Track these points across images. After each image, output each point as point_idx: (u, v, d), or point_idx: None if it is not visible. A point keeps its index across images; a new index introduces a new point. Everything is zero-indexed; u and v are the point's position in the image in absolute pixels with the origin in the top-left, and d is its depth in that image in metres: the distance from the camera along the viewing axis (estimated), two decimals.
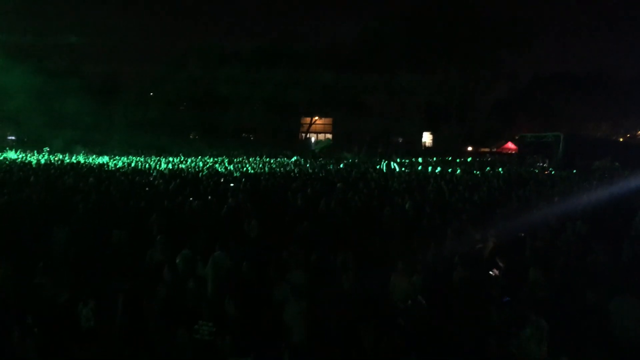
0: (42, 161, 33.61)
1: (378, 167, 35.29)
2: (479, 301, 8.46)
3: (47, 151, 43.47)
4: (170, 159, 39.89)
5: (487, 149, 72.44)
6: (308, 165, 36.48)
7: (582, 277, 9.56)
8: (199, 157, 42.82)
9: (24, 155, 40.33)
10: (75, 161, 34.92)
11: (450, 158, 50.63)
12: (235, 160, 40.62)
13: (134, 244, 11.38)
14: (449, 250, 11.29)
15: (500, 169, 33.99)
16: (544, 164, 43.37)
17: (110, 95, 67.38)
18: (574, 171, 33.43)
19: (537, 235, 12.60)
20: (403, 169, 34.10)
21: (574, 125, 67.73)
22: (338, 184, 21.38)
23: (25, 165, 29.85)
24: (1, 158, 36.43)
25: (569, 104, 68.67)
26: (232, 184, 21.19)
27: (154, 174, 26.01)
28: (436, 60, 65.61)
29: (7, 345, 7.30)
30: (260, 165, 34.50)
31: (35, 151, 43.45)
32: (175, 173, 26.60)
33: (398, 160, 44.48)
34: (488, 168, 34.45)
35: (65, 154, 43.00)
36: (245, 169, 31.52)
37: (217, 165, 33.73)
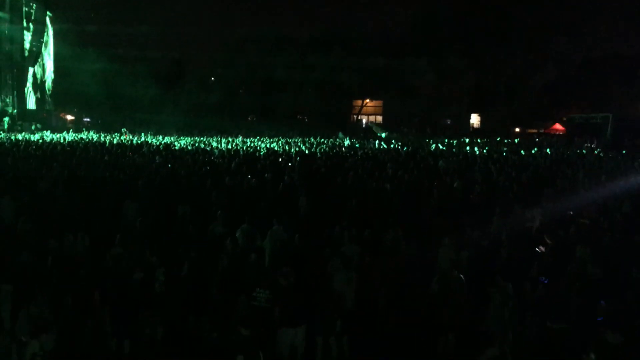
0: (115, 141, 34.77)
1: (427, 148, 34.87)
2: (522, 279, 8.36)
3: (126, 132, 44.60)
4: (231, 139, 40.51)
5: (534, 130, 70.33)
6: (358, 145, 36.35)
7: (628, 255, 9.30)
8: (257, 137, 43.26)
9: (98, 135, 41.83)
10: (143, 141, 35.96)
11: (498, 139, 49.42)
12: (290, 140, 40.89)
13: (198, 218, 11.67)
14: (496, 228, 11.15)
15: (547, 150, 32.98)
16: (592, 144, 41.79)
17: (175, 80, 68.82)
18: (623, 152, 32.12)
19: (584, 214, 12.28)
20: (452, 149, 33.54)
21: (623, 106, 64.86)
22: (388, 163, 21.27)
23: (100, 144, 30.95)
24: (79, 138, 37.89)
25: (618, 86, 65.72)
26: (289, 163, 21.41)
27: (215, 153, 26.49)
28: (485, 43, 63.90)
29: (88, 311, 7.67)
30: (315, 145, 34.61)
31: (117, 133, 44.81)
32: (235, 153, 27.03)
33: (446, 141, 43.78)
34: (535, 149, 33.44)
35: (135, 134, 44.29)
36: (299, 148, 31.74)
37: (273, 145, 34.06)
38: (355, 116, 79.51)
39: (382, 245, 9.86)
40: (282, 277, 7.72)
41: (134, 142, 35.00)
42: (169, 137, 41.93)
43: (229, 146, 32.67)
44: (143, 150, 27.50)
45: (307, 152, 28.83)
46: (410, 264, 8.89)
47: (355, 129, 64.78)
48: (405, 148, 33.05)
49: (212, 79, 73.04)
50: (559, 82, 66.82)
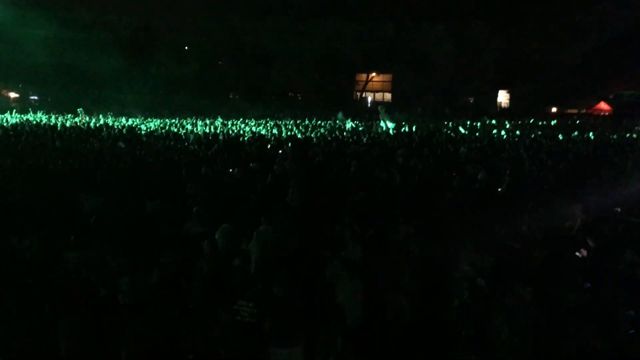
0: (68, 124, 34.66)
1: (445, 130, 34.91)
2: (560, 286, 8.37)
3: (82, 113, 44.41)
4: (208, 121, 40.45)
5: (574, 110, 70.43)
6: (362, 128, 36.35)
7: None
8: (241, 119, 43.23)
9: (48, 117, 41.67)
10: (103, 124, 35.86)
11: (531, 121, 49.45)
12: (281, 123, 40.85)
13: (170, 215, 11.66)
14: (528, 227, 11.16)
15: (590, 134, 33.04)
16: None
17: (141, 50, 68.47)
18: None
19: (634, 211, 12.31)
20: (475, 133, 33.58)
21: None
22: (399, 150, 21.28)
23: (51, 128, 30.85)
24: (24, 120, 37.74)
25: None
26: (280, 151, 21.42)
27: (190, 138, 26.46)
28: (515, 4, 63.77)
29: (37, 325, 7.65)
30: (310, 129, 34.59)
31: (72, 114, 44.60)
32: (214, 137, 26.99)
33: (468, 123, 43.74)
34: (576, 132, 33.51)
35: (93, 116, 44.17)
36: (292, 132, 31.70)
37: (260, 129, 34.03)
38: (358, 93, 79.45)
39: (390, 245, 9.88)
40: (277, 286, 7.68)
41: (92, 124, 34.91)
42: (134, 119, 41.84)
43: (207, 130, 32.62)
44: (103, 134, 27.45)
45: (300, 137, 28.81)
46: (425, 269, 8.92)
47: (359, 109, 64.75)
48: (419, 132, 33.04)
49: (187, 48, 72.76)
50: (604, 52, 66.50)
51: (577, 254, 9.83)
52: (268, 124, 38.75)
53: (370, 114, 56.93)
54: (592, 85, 69.56)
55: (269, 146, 23.54)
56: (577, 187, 14.88)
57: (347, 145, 24.64)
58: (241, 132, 31.47)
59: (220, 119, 42.34)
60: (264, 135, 29.65)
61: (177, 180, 14.93)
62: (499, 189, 15.11)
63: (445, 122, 45.13)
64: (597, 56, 66.71)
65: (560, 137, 30.92)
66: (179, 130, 32.20)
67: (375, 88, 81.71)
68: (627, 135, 34.33)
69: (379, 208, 12.23)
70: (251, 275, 9.21)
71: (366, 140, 27.08)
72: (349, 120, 40.99)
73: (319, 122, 42.91)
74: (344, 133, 31.99)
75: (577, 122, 51.75)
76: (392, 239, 10.10)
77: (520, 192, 14.30)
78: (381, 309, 8.47)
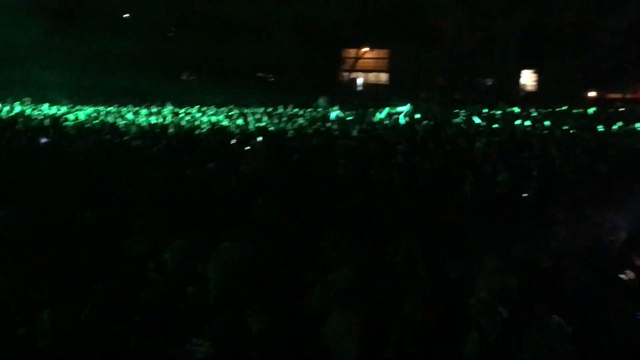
0: None
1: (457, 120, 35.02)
2: (603, 316, 8.39)
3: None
4: (155, 109, 40.26)
5: (618, 95, 70.98)
6: (352, 118, 36.38)
7: None
8: (197, 106, 43.06)
9: None
10: (18, 113, 35.52)
11: (563, 108, 49.77)
12: (248, 111, 40.77)
13: (106, 230, 11.56)
14: (561, 243, 11.20)
15: (637, 125, 33.32)
16: None
17: (69, 18, 67.93)
18: None
19: None
20: (494, 125, 33.71)
21: None
22: (399, 146, 21.31)
23: None
24: None
25: None
26: (247, 147, 21.39)
27: (132, 130, 26.31)
28: None
29: None
30: (286, 119, 34.56)
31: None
32: (162, 130, 26.86)
33: (485, 111, 43.92)
34: (619, 124, 33.75)
35: (6, 103, 43.71)
36: (262, 123, 31.63)
37: (221, 118, 33.93)
38: (346, 74, 79.50)
39: (390, 265, 9.86)
40: (253, 319, 7.64)
41: (4, 114, 34.59)
42: (58, 107, 41.49)
43: (153, 120, 32.47)
44: (18, 127, 27.17)
45: (273, 129, 28.77)
46: (434, 295, 8.90)
47: (347, 93, 64.77)
48: (424, 122, 33.14)
49: (127, 15, 72.38)
50: None
51: (622, 275, 9.86)
52: (231, 113, 38.59)
53: (361, 99, 57.03)
54: (638, 64, 70.17)
55: (232, 141, 23.44)
56: (621, 193, 14.96)
57: (333, 139, 24.62)
58: (197, 123, 31.33)
59: (170, 107, 42.15)
60: (227, 126, 29.53)
61: (114, 185, 14.81)
62: (524, 195, 15.19)
63: (456, 110, 45.25)
64: None
65: (600, 129, 31.11)
66: (117, 121, 31.96)
67: (369, 67, 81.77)
68: None
69: (374, 219, 12.21)
70: (210, 306, 9.15)
71: (357, 133, 27.09)
72: (337, 109, 40.92)
73: (297, 110, 42.83)
74: (328, 124, 31.96)
75: (621, 109, 52.14)
76: (393, 258, 10.08)
77: (550, 199, 14.37)
78: (381, 348, 8.44)
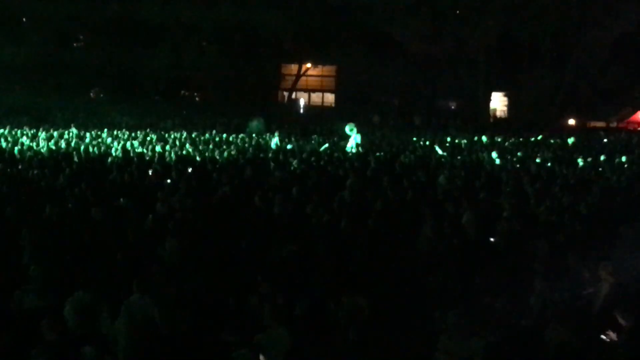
0: None
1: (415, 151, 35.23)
2: None
3: None
4: (57, 133, 39.75)
5: (601, 123, 72.13)
6: (293, 147, 36.41)
7: None
8: (106, 130, 42.65)
9: None
10: None
11: (538, 138, 50.50)
12: (168, 136, 40.51)
13: None
14: (536, 297, 11.28)
15: (623, 158, 33.90)
16: None
17: None
18: None
19: None
20: (458, 156, 34.01)
21: None
22: (348, 181, 21.34)
23: None
24: None
25: None
26: (166, 180, 21.23)
27: (26, 158, 25.93)
28: None
29: None
30: (213, 146, 34.42)
31: None
32: (64, 158, 26.51)
33: (448, 140, 44.36)
34: (603, 156, 34.36)
35: None
36: (185, 152, 31.46)
37: (136, 145, 33.64)
38: (286, 93, 79.64)
39: (331, 324, 9.83)
40: None
41: None
42: None
43: (53, 146, 32.05)
44: None
45: (198, 158, 28.61)
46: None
47: (286, 116, 64.72)
48: (377, 153, 33.29)
49: (24, 20, 71.52)
50: (638, 39, 67.81)
51: (604, 337, 9.93)
52: (149, 138, 38.31)
53: (303, 122, 57.04)
54: (625, 87, 71.39)
55: (149, 172, 23.25)
56: (605, 237, 15.12)
57: (268, 171, 24.56)
58: (107, 150, 31.02)
59: (74, 130, 41.63)
60: (142, 154, 29.28)
61: (4, 224, 14.54)
62: (491, 240, 15.28)
63: (415, 139, 45.58)
64: (633, 46, 68.19)
65: (581, 162, 31.52)
66: (9, 146, 31.49)
67: (313, 86, 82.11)
68: None
69: (314, 270, 12.17)
70: None
71: (297, 164, 27.08)
72: (276, 136, 40.82)
73: (226, 135, 42.71)
74: (265, 154, 31.93)
75: (605, 140, 53.04)
76: (335, 318, 10.04)
77: (522, 245, 14.46)
78: None
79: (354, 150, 34.91)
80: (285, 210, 16.74)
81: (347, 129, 37.36)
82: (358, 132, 36.77)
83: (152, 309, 10.02)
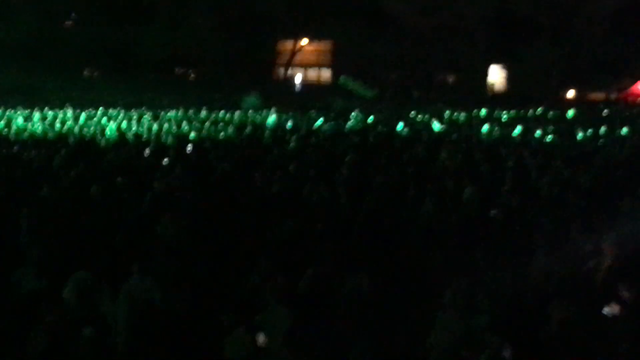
0: None
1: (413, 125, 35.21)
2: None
3: None
4: (52, 112, 39.66)
5: (601, 95, 72.06)
6: (291, 125, 36.36)
7: None
8: (101, 108, 42.52)
9: None
10: None
11: (538, 111, 50.47)
12: (164, 114, 40.42)
13: None
14: (538, 272, 11.29)
15: (624, 130, 33.89)
16: None
17: None
18: None
19: None
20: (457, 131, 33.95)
21: None
22: (347, 157, 21.33)
23: None
24: None
25: None
26: (163, 159, 21.18)
27: (22, 139, 25.88)
28: None
29: None
30: (209, 124, 34.36)
31: None
32: (60, 139, 26.46)
33: (447, 113, 44.32)
34: (603, 129, 34.31)
35: None
36: (181, 130, 31.39)
37: (132, 125, 33.58)
38: (282, 69, 79.48)
39: (334, 306, 9.84)
40: None
41: None
42: None
43: (49, 125, 31.97)
44: None
45: (194, 136, 28.57)
46: (385, 340, 8.90)
47: (283, 93, 64.65)
48: (376, 126, 33.24)
49: None
50: (639, 9, 67.79)
51: (605, 310, 9.91)
52: (144, 117, 38.21)
53: (299, 99, 56.89)
54: (625, 58, 71.21)
55: (146, 151, 23.22)
56: (607, 211, 15.12)
57: (266, 148, 24.53)
58: (102, 129, 30.95)
59: (69, 109, 41.52)
60: (138, 134, 29.23)
61: (1, 207, 14.53)
62: (493, 214, 15.27)
63: (413, 113, 45.50)
64: (633, 16, 68.03)
65: (581, 135, 31.49)
66: (3, 127, 31.41)
67: (308, 62, 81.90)
68: None
69: (315, 247, 12.16)
70: (115, 354, 9.02)
71: (296, 141, 27.05)
72: (274, 112, 40.73)
73: (223, 113, 42.61)
74: (262, 131, 31.87)
75: (605, 112, 52.95)
76: (337, 296, 10.05)
77: (525, 219, 14.47)
78: None
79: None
80: (284, 187, 16.74)
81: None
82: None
83: (153, 290, 10.03)
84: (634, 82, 70.45)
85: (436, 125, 35.64)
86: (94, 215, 14.15)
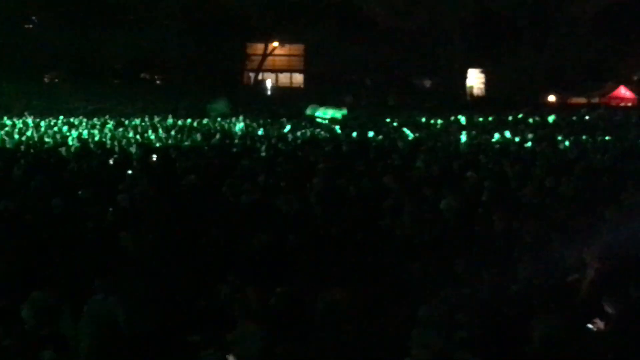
0: None
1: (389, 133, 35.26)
2: None
3: None
4: (9, 121, 39.44)
5: (582, 100, 72.50)
6: (262, 132, 36.36)
7: None
8: (61, 117, 42.33)
9: None
10: None
11: (518, 116, 50.66)
12: (128, 122, 40.29)
13: None
14: (519, 283, 11.31)
15: (606, 136, 34.07)
16: None
17: None
18: None
19: None
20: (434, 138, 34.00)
21: None
22: (320, 165, 21.32)
23: None
24: None
25: None
26: (127, 170, 21.08)
27: None
28: None
29: None
30: (175, 132, 34.29)
31: None
32: (17, 148, 26.30)
33: (423, 120, 44.46)
34: (585, 135, 34.49)
35: None
36: (147, 138, 31.30)
37: (95, 133, 33.46)
38: (252, 74, 79.48)
39: (310, 322, 9.81)
40: None
41: None
42: None
43: (5, 135, 31.80)
44: None
45: (160, 145, 28.49)
46: (366, 354, 8.88)
47: (252, 98, 64.64)
48: (353, 134, 33.27)
49: None
50: (625, 13, 68.38)
51: (590, 325, 9.94)
52: (108, 125, 38.08)
53: (270, 104, 56.88)
54: (607, 62, 71.74)
55: (110, 161, 23.12)
56: (589, 220, 15.17)
57: (236, 157, 24.48)
58: (64, 138, 30.80)
59: (29, 117, 41.33)
60: (102, 142, 29.10)
61: None
62: (474, 224, 15.30)
63: (388, 120, 45.55)
64: (616, 18, 68.57)
65: (562, 141, 31.57)
66: None
67: (279, 66, 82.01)
68: None
69: (289, 260, 12.14)
70: None
71: (267, 149, 27.01)
72: (240, 121, 40.72)
73: (190, 120, 42.56)
74: (232, 139, 31.83)
75: (587, 117, 53.27)
76: (312, 312, 10.01)
77: (504, 229, 14.48)
78: None
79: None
80: (255, 198, 16.69)
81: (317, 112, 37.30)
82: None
83: (117, 308, 9.96)
84: (616, 86, 70.98)
85: (409, 133, 35.65)
86: (54, 229, 14.06)
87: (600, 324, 9.75)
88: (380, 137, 32.93)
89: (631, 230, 13.91)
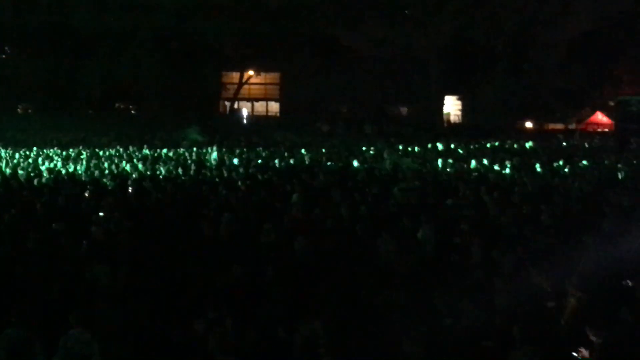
0: None
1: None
2: None
3: None
4: None
5: (559, 126, 72.78)
6: (237, 161, 36.25)
7: None
8: (35, 149, 42.12)
9: None
10: None
11: (495, 144, 50.73)
12: (104, 152, 40.11)
13: None
14: (499, 313, 11.29)
15: (584, 162, 34.13)
16: None
17: None
18: None
19: None
20: (413, 165, 33.92)
21: None
22: (294, 195, 21.27)
23: None
24: None
25: None
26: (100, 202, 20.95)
27: None
28: None
29: None
30: (150, 161, 34.14)
31: None
32: None
33: (400, 148, 44.45)
34: (560, 162, 34.53)
35: None
36: (122, 170, 31.15)
37: (69, 165, 33.26)
38: (228, 103, 79.42)
39: (285, 353, 9.77)
40: None
41: None
42: None
43: None
44: None
45: (136, 175, 28.34)
46: None
47: (228, 127, 64.53)
48: (328, 163, 33.24)
49: None
50: (601, 40, 68.67)
51: (575, 354, 9.93)
52: (82, 155, 37.87)
53: (247, 133, 56.81)
54: (583, 87, 72.05)
55: (86, 194, 22.99)
56: (568, 248, 15.15)
57: (212, 187, 24.41)
58: (37, 170, 30.60)
59: (1, 149, 41.08)
60: (76, 174, 28.93)
61: None
62: (450, 255, 15.28)
63: (364, 148, 45.45)
64: (592, 45, 68.88)
65: (539, 168, 31.59)
66: None
67: (255, 94, 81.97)
68: (635, 162, 35.30)
69: (266, 294, 12.09)
70: None
71: (244, 178, 26.91)
72: (214, 149, 40.63)
73: (165, 150, 42.39)
74: (205, 170, 31.70)
75: (564, 143, 53.35)
76: (289, 346, 9.98)
77: (483, 260, 14.47)
78: None
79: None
80: (232, 230, 16.60)
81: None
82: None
83: (91, 344, 9.88)
84: (593, 112, 71.35)
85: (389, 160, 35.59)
86: (28, 264, 13.94)
87: (585, 353, 9.74)
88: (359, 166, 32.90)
89: (609, 259, 13.93)
